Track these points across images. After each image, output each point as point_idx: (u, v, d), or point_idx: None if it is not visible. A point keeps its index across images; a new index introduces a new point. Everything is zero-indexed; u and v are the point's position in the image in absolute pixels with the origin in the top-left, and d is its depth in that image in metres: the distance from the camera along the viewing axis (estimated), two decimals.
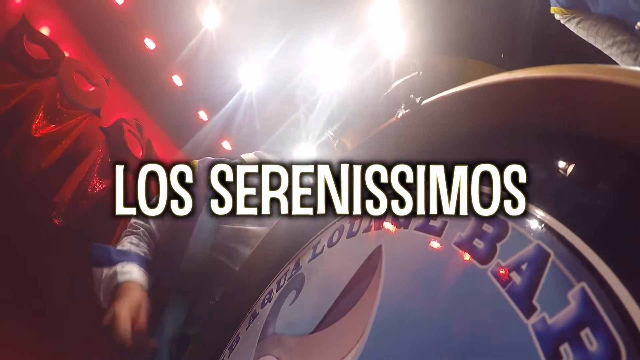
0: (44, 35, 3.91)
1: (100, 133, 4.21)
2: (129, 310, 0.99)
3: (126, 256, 1.21)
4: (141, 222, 1.38)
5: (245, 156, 1.50)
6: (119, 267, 1.15)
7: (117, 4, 3.88)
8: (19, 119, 3.79)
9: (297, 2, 2.93)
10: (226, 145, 4.41)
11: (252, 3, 3.20)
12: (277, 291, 0.71)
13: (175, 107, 4.27)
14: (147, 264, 1.24)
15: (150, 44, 4.06)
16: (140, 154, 4.23)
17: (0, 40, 3.64)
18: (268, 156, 1.47)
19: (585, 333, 0.29)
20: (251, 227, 1.29)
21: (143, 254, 1.27)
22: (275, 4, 3.08)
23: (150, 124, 4.50)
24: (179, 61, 3.86)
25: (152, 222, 1.38)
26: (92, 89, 4.13)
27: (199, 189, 1.36)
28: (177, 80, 4.24)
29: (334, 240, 0.64)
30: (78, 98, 4.05)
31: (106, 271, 1.16)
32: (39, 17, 3.94)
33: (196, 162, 1.49)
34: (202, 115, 4.36)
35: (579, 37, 1.43)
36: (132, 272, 1.15)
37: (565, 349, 0.29)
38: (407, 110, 0.57)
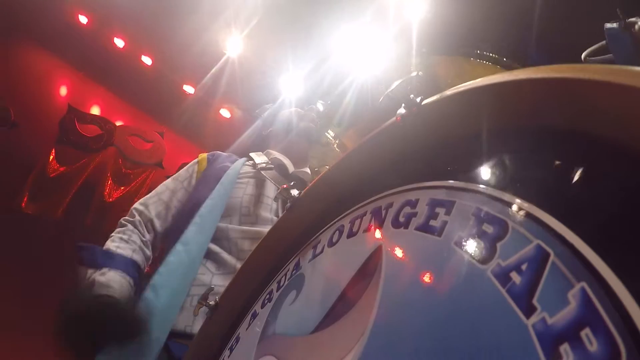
0: (93, 114, 4.45)
1: None
2: None
3: (110, 260, 1.18)
4: (140, 209, 1.35)
5: (255, 155, 1.50)
6: (97, 275, 1.12)
7: (147, 65, 4.31)
8: (91, 191, 4.30)
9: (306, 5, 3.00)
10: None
11: (268, 22, 3.33)
12: (277, 291, 0.71)
13: (231, 138, 4.47)
14: (132, 266, 1.21)
15: (189, 89, 4.43)
16: None
17: (56, 131, 4.21)
18: (277, 155, 1.47)
19: (585, 333, 0.29)
20: (261, 228, 1.27)
21: (131, 253, 1.23)
22: (288, 14, 3.16)
23: None
24: (220, 95, 4.17)
25: (152, 209, 1.35)
26: (149, 146, 4.55)
27: (205, 181, 1.35)
28: (225, 113, 4.58)
29: (334, 240, 0.64)
30: (139, 157, 4.47)
31: (89, 273, 1.14)
32: (86, 100, 4.52)
33: (205, 154, 1.48)
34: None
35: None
36: (110, 283, 1.11)
37: (565, 348, 0.29)
38: (407, 110, 0.57)
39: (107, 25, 4.14)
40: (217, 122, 4.59)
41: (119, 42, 4.23)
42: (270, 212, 1.31)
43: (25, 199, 4.04)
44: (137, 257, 1.25)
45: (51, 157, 4.16)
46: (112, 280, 1.13)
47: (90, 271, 1.14)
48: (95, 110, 4.52)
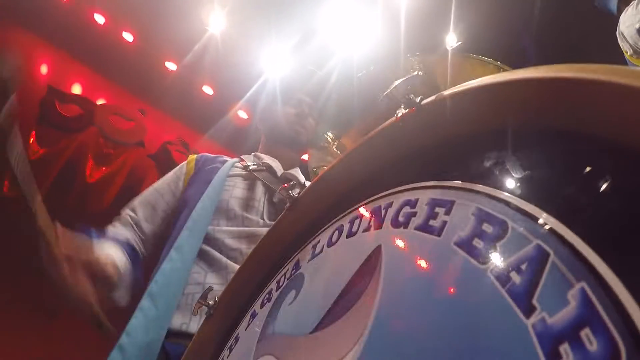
0: (73, 94, 4.37)
1: (150, 161, 4.55)
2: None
3: (104, 235, 1.22)
4: (128, 212, 1.38)
5: (245, 157, 1.51)
6: (94, 242, 1.15)
7: (128, 42, 4.26)
8: (73, 172, 4.23)
9: None
10: None
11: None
12: (276, 291, 0.71)
13: (214, 114, 4.45)
14: (127, 244, 1.25)
15: (171, 66, 4.38)
16: None
17: (36, 111, 4.10)
18: (265, 158, 1.47)
19: (585, 333, 0.29)
20: (249, 228, 1.28)
21: (125, 237, 1.27)
22: None
23: (194, 138, 4.79)
24: (203, 72, 4.13)
25: (140, 212, 1.37)
26: (130, 125, 4.49)
27: (195, 184, 1.36)
28: (208, 89, 4.53)
29: (334, 240, 0.64)
30: (120, 137, 4.43)
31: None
32: (67, 79, 4.41)
33: (194, 156, 1.49)
34: (242, 114, 4.60)
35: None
36: (105, 248, 1.15)
37: (565, 348, 0.29)
38: (407, 110, 0.57)
39: (87, 1, 4.07)
40: (199, 99, 4.55)
41: (100, 19, 4.15)
42: (257, 214, 1.32)
43: (6, 183, 3.92)
44: (132, 241, 1.28)
45: (31, 139, 4.09)
46: (107, 245, 1.17)
47: None
48: (76, 89, 4.44)
